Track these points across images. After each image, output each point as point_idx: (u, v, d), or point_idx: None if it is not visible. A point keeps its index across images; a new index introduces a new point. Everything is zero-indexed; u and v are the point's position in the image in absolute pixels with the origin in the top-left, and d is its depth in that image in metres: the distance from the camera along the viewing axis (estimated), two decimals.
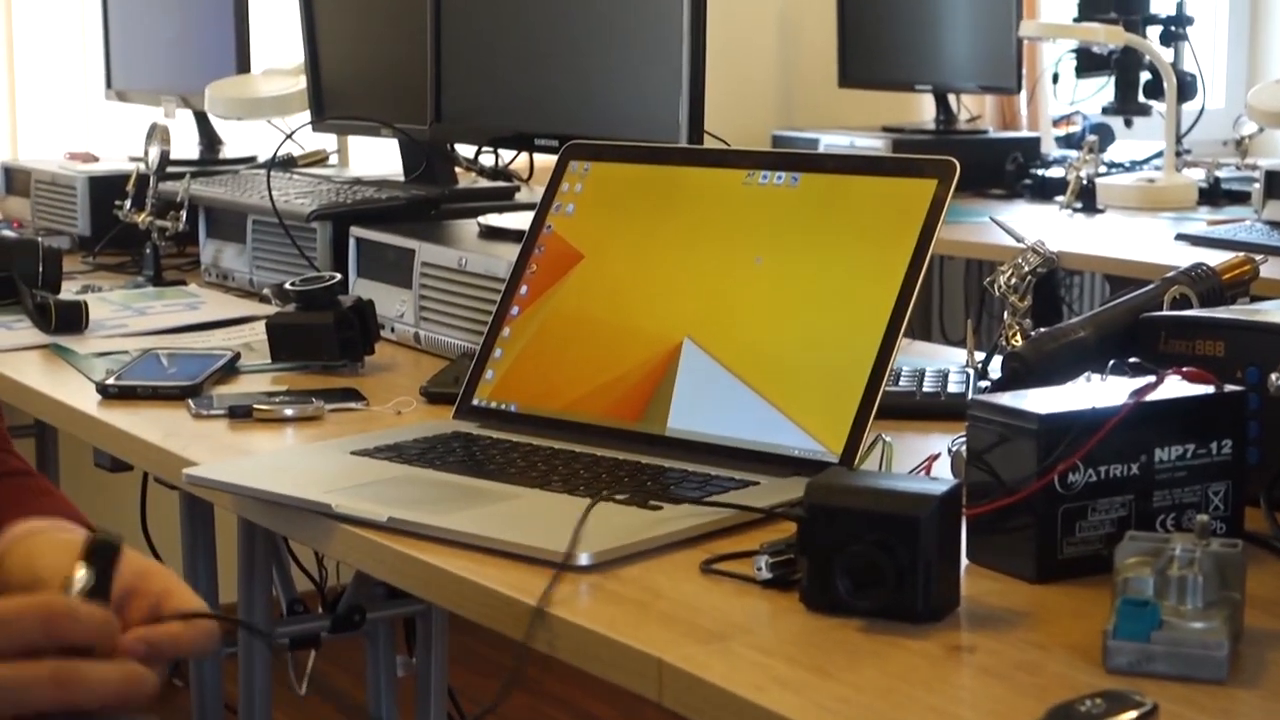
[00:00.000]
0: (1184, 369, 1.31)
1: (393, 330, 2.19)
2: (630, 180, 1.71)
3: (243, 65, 3.41)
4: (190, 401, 1.84)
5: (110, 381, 1.90)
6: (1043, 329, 1.61)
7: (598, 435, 1.57)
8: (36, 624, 1.05)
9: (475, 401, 1.67)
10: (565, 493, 1.43)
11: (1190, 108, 4.27)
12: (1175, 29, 4.39)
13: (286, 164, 3.03)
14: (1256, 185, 3.49)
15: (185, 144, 3.62)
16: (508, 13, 2.33)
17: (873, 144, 4.33)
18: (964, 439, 1.31)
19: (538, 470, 1.50)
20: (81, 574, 1.10)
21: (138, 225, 2.78)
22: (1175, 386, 1.29)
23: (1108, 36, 4.06)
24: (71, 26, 3.92)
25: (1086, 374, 1.53)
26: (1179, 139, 4.09)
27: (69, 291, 2.51)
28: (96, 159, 3.51)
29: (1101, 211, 3.83)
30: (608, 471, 1.49)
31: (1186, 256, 2.45)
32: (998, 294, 1.90)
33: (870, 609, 1.16)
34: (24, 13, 3.87)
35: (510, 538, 1.32)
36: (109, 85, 3.82)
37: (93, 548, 1.12)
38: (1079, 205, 3.84)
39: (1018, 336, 1.85)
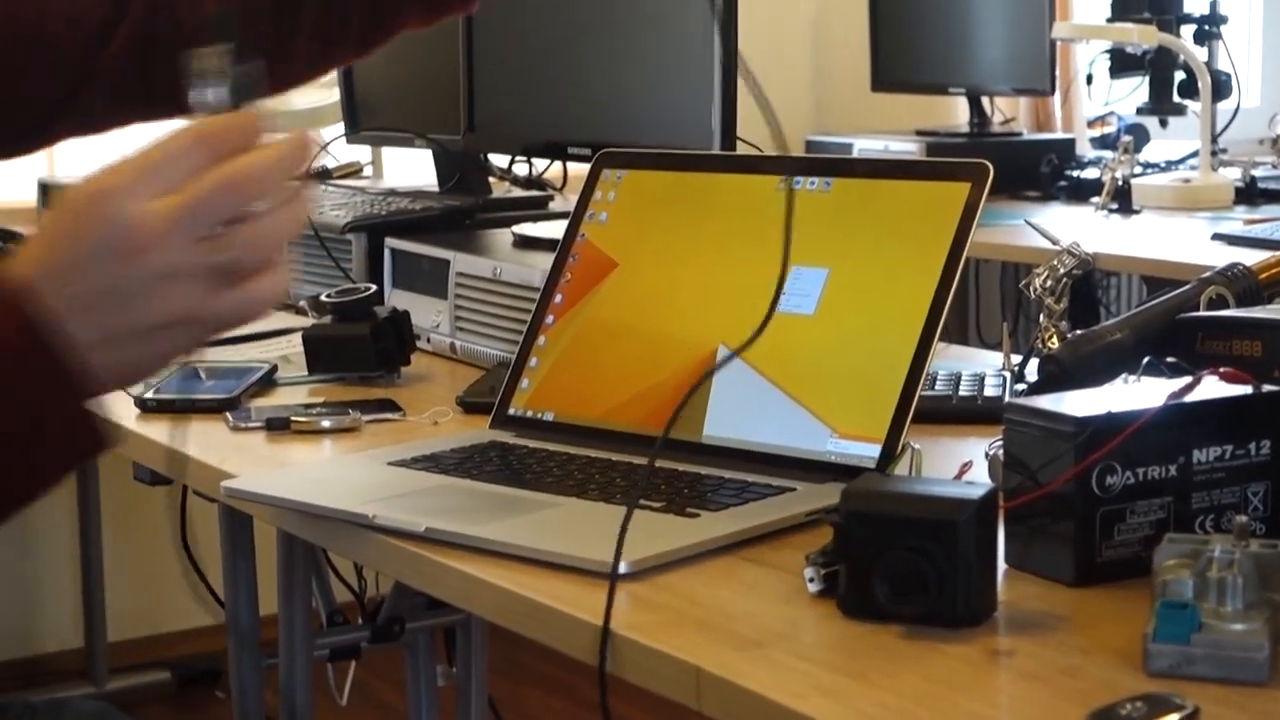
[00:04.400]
0: (1221, 369, 1.31)
1: (428, 340, 2.19)
2: (663, 188, 1.71)
3: None
4: (228, 414, 1.84)
5: (148, 395, 1.91)
6: (1079, 331, 1.61)
7: (634, 443, 1.57)
8: (196, 147, 1.03)
9: (511, 411, 1.68)
10: (602, 501, 1.43)
11: (1225, 107, 4.25)
12: (1209, 28, 4.37)
13: (321, 176, 3.04)
14: None
15: None
16: (539, 22, 2.34)
17: (906, 147, 4.32)
18: (1001, 442, 1.31)
19: (574, 479, 1.50)
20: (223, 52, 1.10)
21: None
22: (1213, 387, 1.29)
23: (1141, 37, 4.05)
24: None
25: (1124, 376, 1.53)
26: (1214, 138, 4.08)
27: None
28: None
29: (1137, 212, 3.82)
30: (645, 480, 1.49)
31: (1223, 256, 2.44)
32: (1034, 296, 1.89)
33: (909, 614, 1.16)
34: None
35: (548, 547, 1.32)
36: None
37: (216, 23, 1.12)
38: (1115, 206, 3.83)
39: (1054, 339, 1.85)
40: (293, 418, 1.80)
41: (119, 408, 1.91)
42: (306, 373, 2.04)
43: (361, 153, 3.29)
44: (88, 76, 1.43)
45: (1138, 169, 4.07)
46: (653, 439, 1.56)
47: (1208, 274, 1.63)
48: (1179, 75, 4.26)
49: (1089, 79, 4.50)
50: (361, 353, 2.01)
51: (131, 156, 1.03)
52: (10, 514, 1.05)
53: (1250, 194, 3.92)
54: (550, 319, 1.70)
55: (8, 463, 1.02)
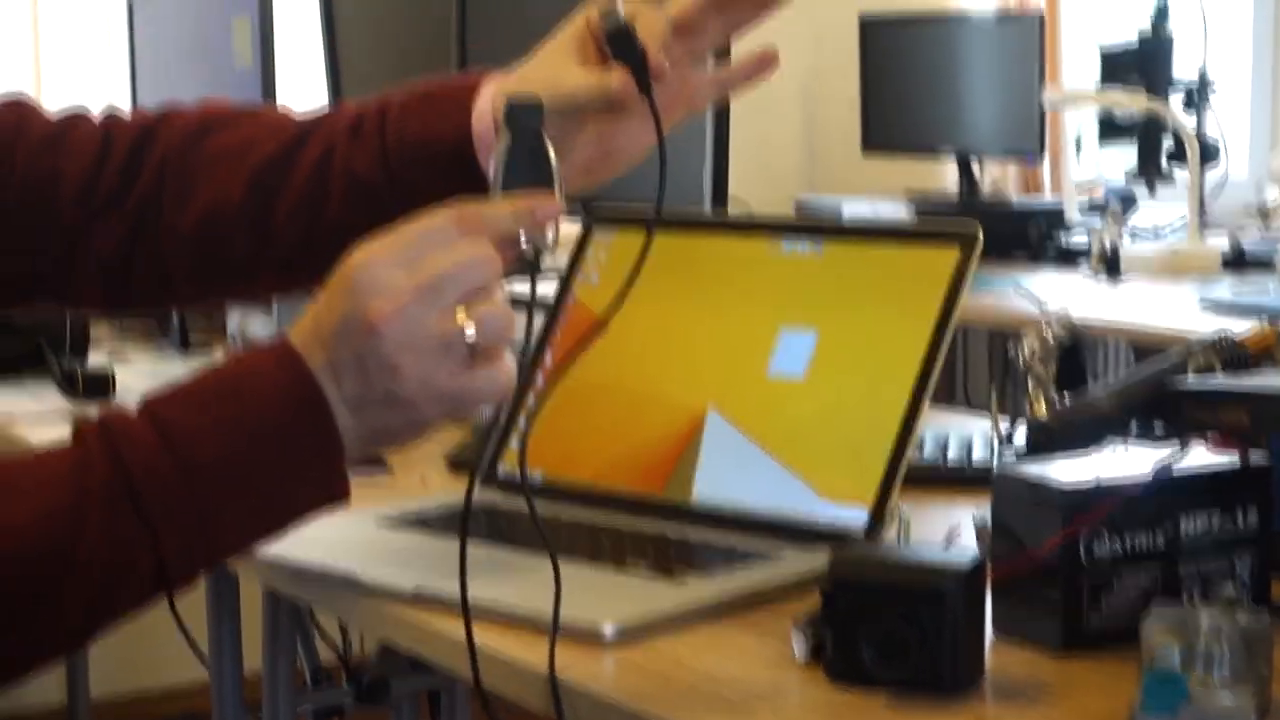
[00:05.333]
0: (1209, 438, 1.31)
1: None
2: (653, 249, 1.71)
3: None
4: None
5: None
6: (1067, 398, 1.61)
7: (622, 505, 1.57)
8: (451, 227, 1.10)
9: (500, 471, 1.67)
10: (590, 563, 1.43)
11: (1214, 174, 4.27)
12: (1198, 96, 4.39)
13: None
14: None
15: None
16: None
17: (896, 210, 4.34)
18: (989, 509, 1.31)
19: (562, 540, 1.50)
20: (504, 142, 1.15)
21: None
22: (1200, 456, 1.29)
23: (1130, 103, 4.07)
24: (100, 95, 3.95)
25: (1112, 444, 1.53)
26: (1202, 205, 4.09)
27: (96, 359, 2.52)
28: None
29: (1125, 278, 3.83)
30: (632, 542, 1.49)
31: (1211, 324, 2.45)
32: (1022, 362, 1.90)
33: (896, 681, 1.16)
34: (53, 82, 3.90)
35: (535, 608, 1.31)
36: None
37: (509, 112, 1.15)
38: (1103, 272, 3.84)
39: (1042, 405, 1.85)
40: None
41: None
42: None
43: None
44: (79, 241, 1.43)
45: (1126, 235, 4.09)
46: (642, 500, 1.57)
47: (1195, 342, 1.63)
48: (1168, 142, 4.28)
49: (1078, 144, 4.52)
50: None
51: (388, 234, 1.10)
52: (255, 543, 1.12)
53: (1238, 261, 3.94)
54: (539, 379, 1.70)
55: (270, 494, 1.09)
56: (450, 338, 1.08)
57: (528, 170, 1.14)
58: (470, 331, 1.08)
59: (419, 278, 1.07)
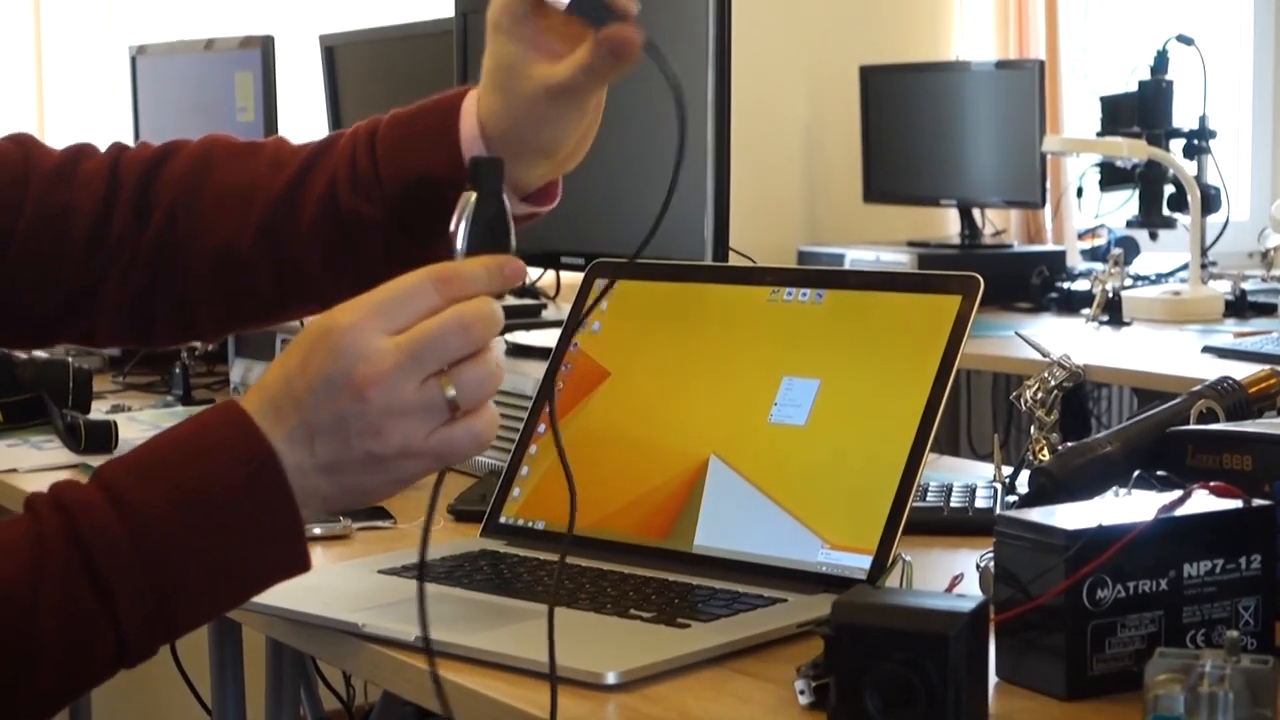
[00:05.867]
0: (1211, 483, 1.31)
1: None
2: (656, 298, 1.72)
3: None
4: None
5: None
6: (1070, 443, 1.61)
7: (625, 553, 1.57)
8: (430, 288, 1.08)
9: (503, 519, 1.67)
10: (593, 611, 1.43)
11: (1215, 220, 4.29)
12: (1198, 142, 4.41)
13: None
14: None
15: None
16: None
17: (898, 258, 4.35)
18: (992, 555, 1.31)
19: (565, 588, 1.50)
20: (470, 199, 1.14)
21: None
22: (1203, 501, 1.29)
23: (1131, 150, 4.08)
24: (102, 140, 3.96)
25: (1114, 489, 1.53)
26: (1204, 251, 4.10)
27: (98, 411, 2.52)
28: None
29: (1128, 324, 3.84)
30: (635, 589, 1.49)
31: (1213, 369, 2.45)
32: (1024, 408, 1.90)
33: None
34: (56, 136, 3.92)
35: (539, 657, 1.31)
36: None
37: (475, 170, 1.15)
38: (1105, 318, 3.85)
39: (1045, 451, 1.85)
40: None
41: None
42: None
43: None
44: (96, 280, 1.44)
45: (1128, 281, 4.10)
46: (645, 547, 1.57)
47: (1198, 388, 1.64)
48: (1169, 189, 4.29)
49: (1079, 192, 4.54)
50: None
51: (368, 294, 1.08)
52: (214, 613, 1.11)
53: (1240, 307, 3.94)
54: (542, 428, 1.70)
55: (227, 564, 1.07)
56: (433, 401, 1.08)
57: (488, 228, 1.15)
58: (452, 394, 1.08)
59: (404, 342, 1.07)
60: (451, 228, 1.14)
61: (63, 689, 1.06)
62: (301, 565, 1.10)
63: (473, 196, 1.14)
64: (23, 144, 1.43)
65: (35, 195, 1.40)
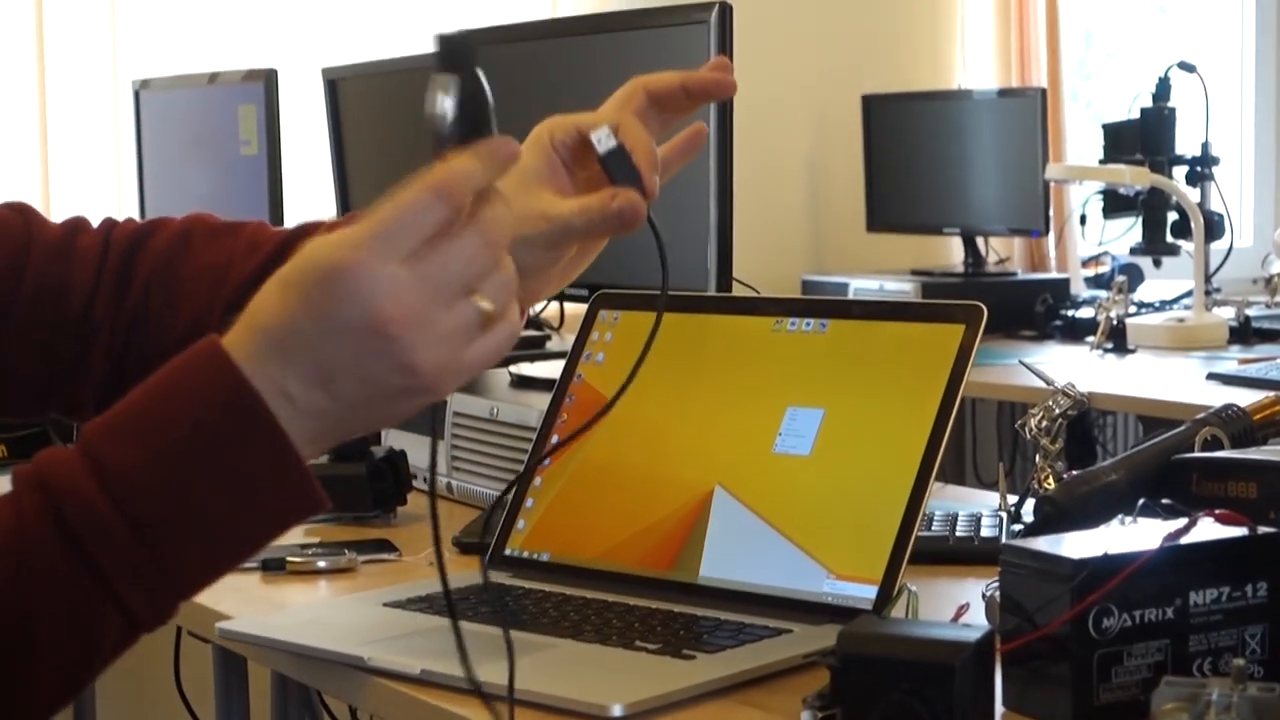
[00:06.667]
0: (1217, 511, 1.31)
1: (424, 480, 2.19)
2: (660, 327, 1.71)
3: (276, 218, 3.45)
4: None
5: None
6: (1075, 472, 1.61)
7: (630, 584, 1.57)
8: (433, 201, 1.01)
9: (508, 551, 1.67)
10: (598, 643, 1.43)
11: (1218, 246, 4.29)
12: (1201, 169, 4.41)
13: None
14: None
15: None
16: None
17: (902, 287, 4.35)
18: (997, 584, 1.30)
19: (570, 620, 1.49)
20: (451, 79, 1.04)
21: None
22: (1209, 529, 1.29)
23: (1134, 178, 4.09)
24: (107, 182, 3.97)
25: (1120, 517, 1.53)
26: (1208, 278, 4.10)
27: None
28: None
29: (1132, 351, 3.84)
30: (640, 620, 1.48)
31: (1218, 396, 2.45)
32: (1029, 437, 1.90)
33: None
34: (60, 169, 3.92)
35: (545, 689, 1.31)
36: None
37: (448, 48, 1.05)
38: (1109, 346, 3.84)
39: (1050, 479, 1.85)
40: (288, 558, 1.79)
41: None
42: None
43: None
44: (81, 353, 1.43)
45: (1132, 309, 4.10)
46: (650, 578, 1.56)
47: (1202, 415, 1.63)
48: (1172, 215, 4.30)
49: (1083, 219, 4.54)
50: (358, 492, 2.01)
51: (368, 218, 1.01)
52: (226, 569, 1.05)
53: (1244, 333, 3.94)
54: (546, 461, 1.70)
55: (227, 520, 1.02)
56: (468, 321, 1.02)
57: (473, 109, 1.06)
58: (488, 306, 1.02)
59: (430, 272, 1.00)
60: (434, 110, 1.06)
61: (71, 676, 1.03)
62: (312, 502, 1.04)
63: (451, 79, 1.05)
64: (24, 213, 1.43)
65: (36, 267, 1.40)
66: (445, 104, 1.05)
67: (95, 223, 1.47)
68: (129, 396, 1.04)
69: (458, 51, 1.05)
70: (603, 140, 1.27)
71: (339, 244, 1.01)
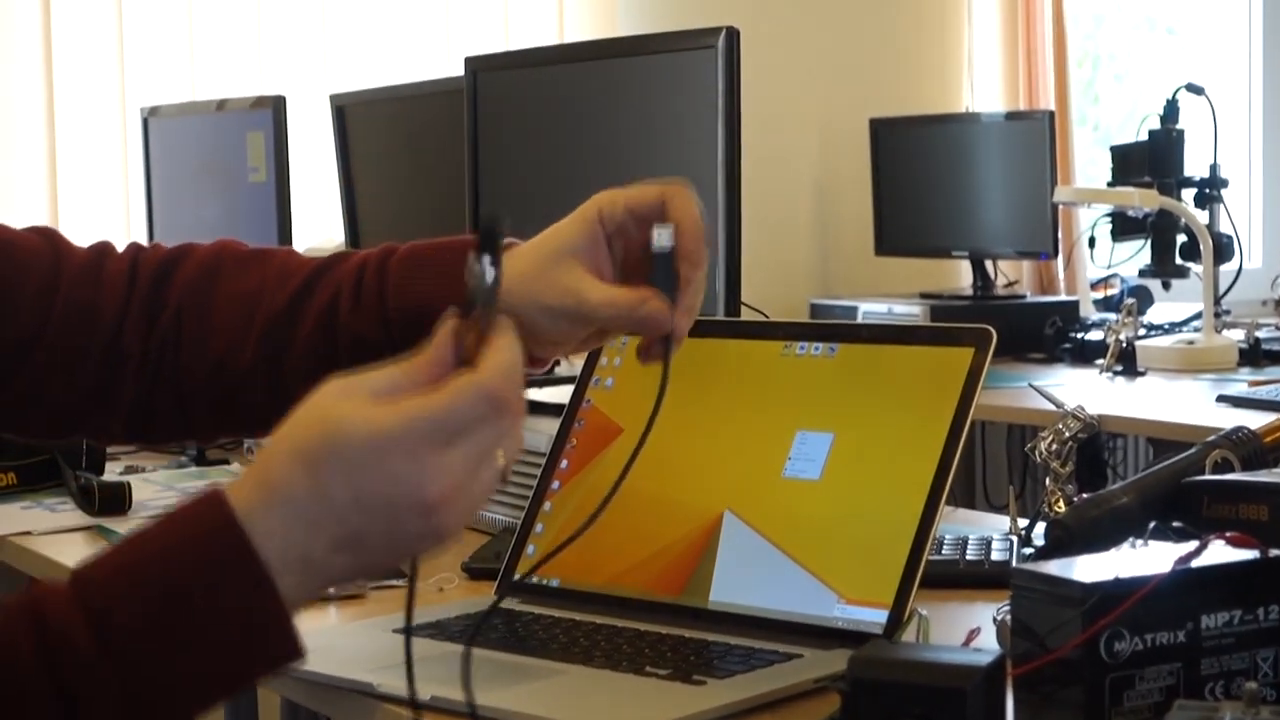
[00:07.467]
0: (1228, 534, 1.30)
1: None
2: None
3: (284, 244, 3.45)
4: None
5: None
6: (1085, 495, 1.61)
7: (640, 609, 1.56)
8: (488, 413, 1.03)
9: (517, 577, 1.67)
10: (608, 668, 1.43)
11: (1228, 268, 4.28)
12: (1210, 191, 4.41)
13: None
14: None
15: None
16: (545, 188, 2.36)
17: (911, 311, 4.34)
18: (1009, 608, 1.30)
19: (580, 646, 1.49)
20: (485, 264, 1.07)
21: None
22: (1220, 552, 1.28)
23: (1142, 200, 4.08)
24: (116, 209, 3.98)
25: (1131, 540, 1.52)
26: (1217, 300, 4.09)
27: (112, 472, 2.52)
28: None
29: (1142, 374, 3.83)
30: (650, 646, 1.48)
31: (1228, 418, 2.45)
32: (1039, 460, 1.89)
33: None
34: (70, 196, 3.93)
35: (555, 715, 1.31)
36: None
37: (483, 234, 1.08)
38: (1119, 368, 3.84)
39: (1060, 502, 1.84)
40: None
41: None
42: None
43: None
44: (111, 377, 1.44)
45: (1141, 331, 4.09)
46: (660, 604, 1.56)
47: (1213, 438, 1.63)
48: (1181, 238, 4.29)
49: (1091, 242, 4.53)
50: None
51: (416, 408, 1.02)
52: (197, 714, 1.05)
53: (1254, 355, 3.93)
54: (556, 484, 1.70)
55: (206, 674, 1.02)
56: (492, 485, 1.06)
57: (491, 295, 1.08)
58: (503, 463, 1.06)
59: (473, 454, 1.03)
60: (480, 282, 1.08)
61: None
62: (292, 657, 1.05)
63: (487, 266, 1.07)
64: (50, 239, 1.44)
65: (65, 293, 1.41)
66: (484, 284, 1.07)
67: (119, 247, 1.47)
68: (129, 543, 1.04)
69: (493, 238, 1.08)
70: (662, 238, 1.27)
71: (377, 426, 1.02)
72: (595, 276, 1.31)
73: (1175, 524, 1.50)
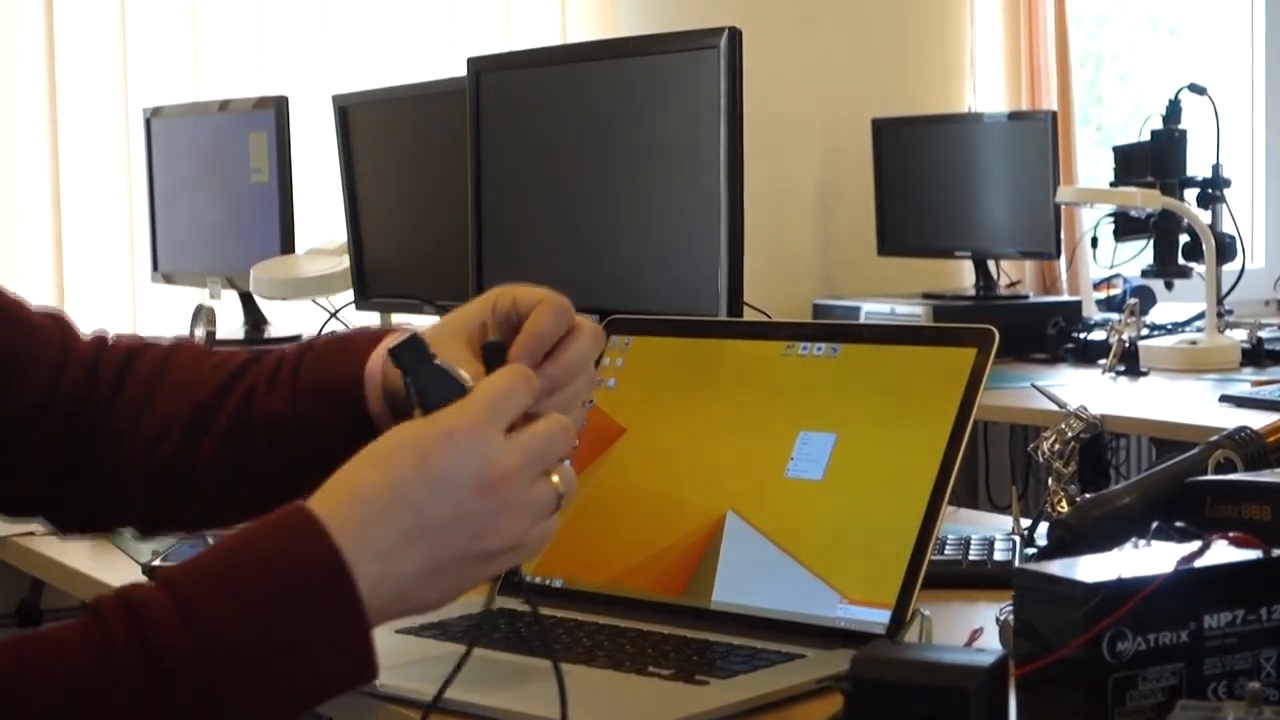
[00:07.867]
0: (1230, 534, 1.30)
1: None
2: (671, 354, 1.72)
3: (287, 245, 3.45)
4: None
5: (156, 564, 1.90)
6: (1088, 495, 1.61)
7: (643, 609, 1.57)
8: (525, 386, 1.15)
9: (519, 577, 1.67)
10: (611, 669, 1.43)
11: (1230, 268, 4.28)
12: (1212, 191, 4.41)
13: None
14: None
15: (231, 325, 3.66)
16: (547, 189, 2.36)
17: (913, 311, 4.34)
18: (1011, 608, 1.30)
19: (583, 646, 1.49)
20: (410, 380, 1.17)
21: None
22: (1223, 552, 1.28)
23: (1145, 200, 4.08)
24: (118, 210, 3.98)
25: (1133, 540, 1.52)
26: (1220, 300, 4.09)
27: None
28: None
29: (1145, 374, 3.83)
30: (653, 646, 1.48)
31: (1231, 418, 2.45)
32: (1042, 460, 1.89)
33: None
34: (72, 197, 3.93)
35: (556, 716, 1.31)
36: (155, 268, 3.87)
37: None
38: (1122, 368, 3.83)
39: (1063, 503, 1.84)
40: None
41: (128, 578, 1.90)
42: None
43: (372, 319, 3.31)
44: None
45: (1144, 331, 4.08)
46: (662, 604, 1.56)
47: (1216, 438, 1.63)
48: (1183, 238, 4.29)
49: (1094, 242, 4.53)
50: None
51: (473, 397, 1.13)
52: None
53: (1257, 355, 3.93)
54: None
55: (293, 679, 1.08)
56: (546, 500, 1.13)
57: (442, 388, 1.16)
58: (560, 489, 1.14)
59: (525, 442, 1.13)
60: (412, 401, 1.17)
61: None
62: (369, 674, 1.11)
63: (409, 376, 1.16)
64: (61, 327, 1.47)
65: (68, 385, 1.44)
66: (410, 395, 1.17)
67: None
68: (218, 547, 1.10)
69: (404, 356, 1.18)
70: (492, 336, 1.34)
71: (447, 414, 1.12)
72: (473, 354, 1.34)
73: (1178, 524, 1.50)
